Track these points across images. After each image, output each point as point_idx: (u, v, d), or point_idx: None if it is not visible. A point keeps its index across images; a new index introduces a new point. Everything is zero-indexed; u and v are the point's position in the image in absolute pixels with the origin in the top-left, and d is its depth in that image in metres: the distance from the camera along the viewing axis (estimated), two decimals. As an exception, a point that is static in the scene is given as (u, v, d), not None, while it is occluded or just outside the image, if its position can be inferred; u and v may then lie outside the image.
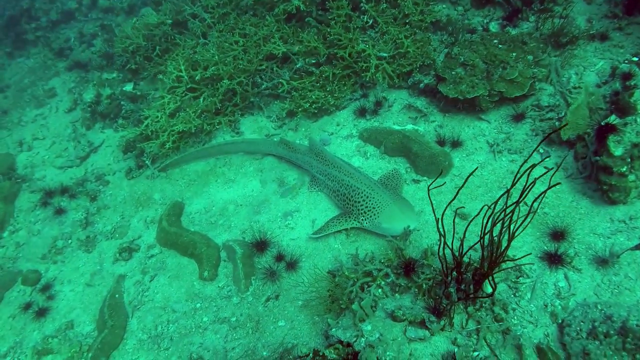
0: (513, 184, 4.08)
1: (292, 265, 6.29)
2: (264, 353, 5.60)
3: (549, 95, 7.03)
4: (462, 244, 4.58)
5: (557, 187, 6.08)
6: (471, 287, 4.96)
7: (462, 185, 4.21)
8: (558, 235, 5.55)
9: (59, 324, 6.67)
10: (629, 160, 5.47)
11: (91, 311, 6.73)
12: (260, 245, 6.60)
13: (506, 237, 4.73)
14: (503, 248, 4.79)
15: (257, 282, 6.34)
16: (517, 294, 5.21)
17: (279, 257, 6.42)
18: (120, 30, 10.48)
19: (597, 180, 5.71)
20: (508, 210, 4.31)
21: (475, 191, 6.37)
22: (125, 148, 8.74)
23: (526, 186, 4.10)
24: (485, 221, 4.24)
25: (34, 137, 10.05)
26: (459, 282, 4.95)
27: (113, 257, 7.29)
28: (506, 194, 4.20)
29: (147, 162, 8.33)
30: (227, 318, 6.10)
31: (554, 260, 5.33)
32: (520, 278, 5.35)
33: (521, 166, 4.09)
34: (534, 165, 4.08)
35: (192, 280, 6.66)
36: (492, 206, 4.18)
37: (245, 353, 5.67)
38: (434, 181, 4.60)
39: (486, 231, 4.37)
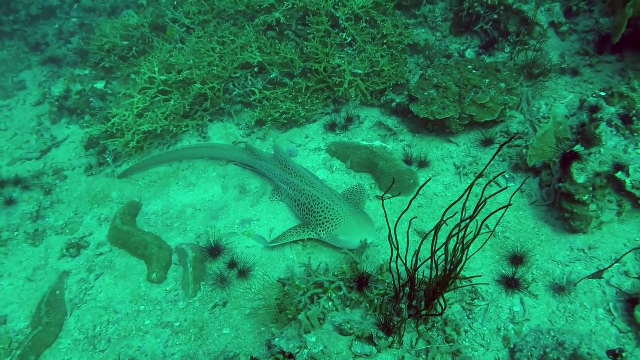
0: (460, 199, 3.94)
1: (244, 273, 6.04)
2: (204, 361, 5.30)
3: (518, 123, 7.04)
4: (416, 260, 4.42)
5: (520, 213, 6.03)
6: (422, 304, 4.78)
7: (417, 194, 4.06)
8: (517, 260, 5.43)
9: (-10, 318, 6.26)
10: (591, 189, 5.42)
11: (29, 307, 6.34)
12: (214, 250, 6.35)
13: (461, 254, 4.61)
14: (460, 266, 4.65)
15: (207, 288, 6.06)
16: (471, 316, 5.04)
17: (232, 264, 6.17)
18: (99, 29, 10.32)
19: (560, 207, 5.65)
20: (462, 226, 4.17)
21: (438, 211, 6.25)
22: (87, 144, 8.47)
23: (480, 202, 3.99)
24: (434, 240, 4.10)
25: (-4, 128, 9.72)
26: (411, 299, 4.76)
27: (60, 252, 6.93)
28: (462, 210, 4.06)
29: (109, 159, 8.07)
30: (170, 323, 5.79)
31: (511, 284, 5.20)
32: (476, 300, 5.19)
33: (472, 184, 3.98)
34: (490, 181, 3.98)
35: (139, 282, 6.35)
36: (442, 223, 4.04)
37: (185, 360, 5.37)
38: (385, 192, 4.45)
39: (438, 248, 4.23)
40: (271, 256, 6.23)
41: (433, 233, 4.17)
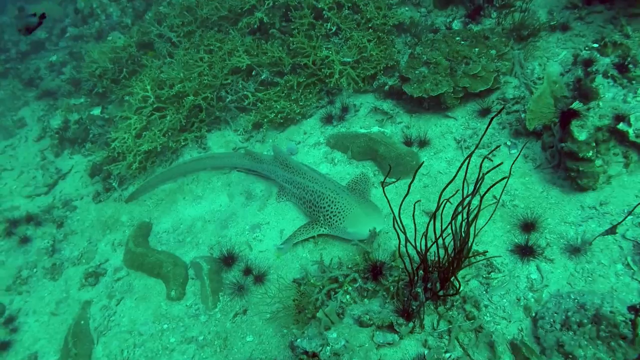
0: (453, 179, 3.89)
1: (259, 278, 6.06)
2: (232, 371, 5.34)
3: (514, 88, 6.93)
4: (425, 242, 4.37)
5: (526, 179, 5.94)
6: (437, 285, 4.74)
7: (413, 179, 4.02)
8: (529, 226, 5.36)
9: (21, 357, 6.38)
10: (594, 144, 5.32)
11: (56, 341, 6.45)
12: (228, 260, 6.38)
13: (470, 230, 4.56)
14: (467, 243, 4.61)
15: (225, 298, 6.10)
16: (489, 290, 4.99)
17: (247, 271, 6.19)
18: (88, 55, 10.38)
19: (565, 167, 5.55)
20: (465, 203, 4.12)
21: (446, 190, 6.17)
22: (92, 172, 8.54)
23: (478, 178, 3.93)
24: (435, 222, 4.06)
25: (3, 168, 9.83)
26: (425, 281, 4.73)
27: (79, 283, 7.03)
28: (462, 187, 4.01)
29: (114, 184, 8.13)
30: (194, 337, 5.84)
31: (525, 252, 5.14)
32: (492, 273, 5.14)
33: (461, 164, 3.91)
34: (485, 157, 3.92)
35: (159, 301, 6.41)
36: (441, 204, 3.99)
37: (213, 372, 5.42)
38: (385, 178, 4.41)
39: (444, 228, 4.19)
40: (284, 257, 6.23)
41: (438, 213, 4.14)
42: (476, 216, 4.12)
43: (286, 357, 5.02)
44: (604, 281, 4.71)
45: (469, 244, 4.65)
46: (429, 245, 4.37)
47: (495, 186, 4.09)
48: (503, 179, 3.82)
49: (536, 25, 7.38)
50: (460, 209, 4.11)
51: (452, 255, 4.48)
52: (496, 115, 3.50)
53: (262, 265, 6.20)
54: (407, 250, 4.38)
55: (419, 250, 4.49)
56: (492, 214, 4.88)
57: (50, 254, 7.57)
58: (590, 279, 4.76)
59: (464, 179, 3.98)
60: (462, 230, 4.28)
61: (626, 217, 4.99)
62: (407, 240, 4.30)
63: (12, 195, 9.10)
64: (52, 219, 8.10)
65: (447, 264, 4.58)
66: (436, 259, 4.82)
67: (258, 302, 5.86)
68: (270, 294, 5.72)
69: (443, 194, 5.87)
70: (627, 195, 5.30)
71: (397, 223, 4.22)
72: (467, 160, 3.69)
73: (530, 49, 7.23)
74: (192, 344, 5.79)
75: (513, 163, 4.58)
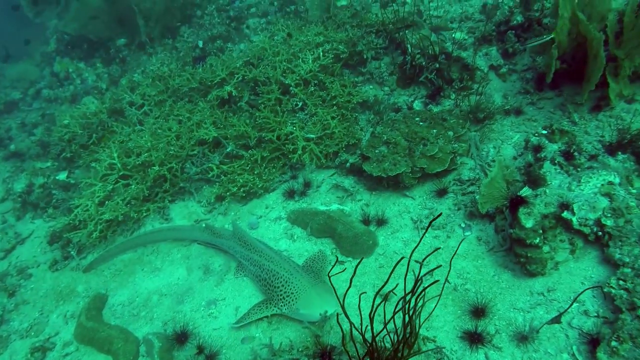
0: (392, 272, 3.96)
1: (211, 358, 5.92)
2: None
3: (469, 169, 7.15)
4: (372, 329, 4.36)
5: (479, 262, 6.03)
6: (383, 375, 4.70)
7: (354, 273, 4.07)
8: (479, 312, 5.39)
9: None
10: (541, 231, 5.47)
11: (-6, 422, 6.15)
12: (181, 337, 6.24)
13: (416, 318, 4.58)
14: (412, 335, 4.61)
15: (175, 379, 5.93)
16: (437, 373, 4.96)
17: (200, 350, 6.05)
18: (59, 119, 10.47)
19: (514, 253, 5.67)
20: (408, 299, 4.17)
21: (400, 269, 6.21)
22: (51, 239, 8.42)
23: (417, 279, 4.00)
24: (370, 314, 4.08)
25: (-40, 234, 9.64)
26: (372, 371, 4.69)
27: (24, 358, 6.77)
28: (404, 281, 4.07)
29: (72, 252, 8.02)
30: (140, 422, 5.63)
31: (474, 339, 5.14)
32: (441, 360, 5.13)
33: (421, 239, 4.00)
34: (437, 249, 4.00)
35: (107, 381, 6.20)
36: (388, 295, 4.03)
37: None
38: (330, 269, 4.45)
39: (388, 321, 4.21)
40: (237, 336, 6.13)
41: (381, 305, 4.17)
42: (414, 312, 4.15)
43: None
44: (549, 372, 4.72)
45: (415, 334, 4.67)
46: (375, 333, 4.36)
47: (447, 268, 4.13)
48: (436, 267, 3.88)
49: (491, 108, 7.72)
50: (406, 302, 4.16)
51: (396, 346, 4.48)
52: (431, 223, 3.60)
53: (214, 344, 6.07)
54: (363, 337, 4.34)
55: (365, 338, 4.48)
56: (437, 302, 4.91)
57: (-1, 326, 7.33)
58: (536, 369, 4.78)
59: (405, 276, 4.03)
60: (406, 321, 4.30)
61: (570, 306, 5.07)
62: (351, 328, 4.30)
63: (-34, 260, 8.89)
64: (5, 287, 7.88)
65: (392, 353, 4.57)
66: (387, 345, 4.81)
67: (208, 385, 5.70)
68: (221, 375, 5.59)
69: (401, 275, 5.94)
70: (574, 282, 5.40)
71: (343, 311, 4.24)
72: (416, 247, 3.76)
73: (486, 132, 7.53)
74: None
75: (456, 250, 4.68)
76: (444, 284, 5.02)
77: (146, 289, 7.28)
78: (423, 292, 4.12)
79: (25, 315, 7.47)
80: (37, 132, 12.03)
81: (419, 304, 4.42)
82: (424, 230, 6.66)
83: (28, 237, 9.09)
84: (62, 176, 9.66)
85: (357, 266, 4.05)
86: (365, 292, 5.55)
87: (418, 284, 4.02)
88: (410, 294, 3.95)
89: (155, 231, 7.84)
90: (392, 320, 4.18)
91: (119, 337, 6.45)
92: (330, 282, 4.01)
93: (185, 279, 7.22)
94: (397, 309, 4.09)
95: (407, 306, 4.17)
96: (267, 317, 6.12)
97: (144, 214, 8.30)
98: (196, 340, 6.18)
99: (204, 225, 7.59)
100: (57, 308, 7.45)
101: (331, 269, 5.50)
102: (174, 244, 7.86)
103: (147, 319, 6.83)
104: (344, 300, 4.19)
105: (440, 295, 4.91)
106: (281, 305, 5.90)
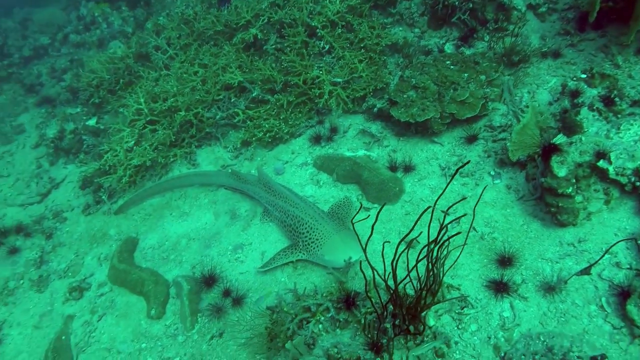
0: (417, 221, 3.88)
1: (238, 301, 6.07)
2: (203, 396, 5.37)
3: (501, 115, 6.89)
4: (394, 276, 4.34)
5: (507, 211, 5.90)
6: (406, 321, 4.72)
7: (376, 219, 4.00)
8: (505, 261, 5.32)
9: (3, 370, 6.46)
10: (574, 181, 5.27)
11: (37, 355, 6.49)
12: (209, 280, 6.39)
13: (440, 266, 4.54)
14: (436, 282, 4.59)
15: (204, 319, 6.12)
16: (460, 326, 4.97)
17: (226, 293, 6.21)
18: (87, 65, 10.46)
19: (545, 202, 5.51)
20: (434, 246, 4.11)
21: (426, 216, 6.13)
22: (83, 184, 8.61)
23: (441, 226, 3.91)
24: (395, 259, 4.04)
25: (-1, 175, 9.98)
26: (394, 317, 4.71)
27: (64, 296, 7.09)
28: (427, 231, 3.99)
29: (103, 197, 8.19)
30: (170, 358, 5.87)
31: (499, 288, 5.10)
32: (465, 309, 5.11)
33: (448, 185, 3.90)
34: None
35: (139, 319, 6.44)
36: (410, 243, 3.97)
37: (185, 396, 5.45)
38: (354, 216, 4.40)
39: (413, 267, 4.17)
40: (263, 280, 6.25)
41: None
42: (437, 260, 4.10)
43: (255, 387, 5.04)
44: (576, 322, 4.66)
45: (439, 282, 4.64)
46: (399, 280, 4.35)
47: (473, 216, 3.98)
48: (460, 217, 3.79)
49: (527, 51, 7.33)
50: (430, 251, 4.11)
51: (419, 293, 4.47)
52: (457, 171, 3.45)
53: (241, 287, 6.22)
54: (386, 283, 4.35)
55: (388, 285, 4.49)
56: (462, 250, 4.84)
57: (38, 266, 7.64)
58: (563, 319, 4.72)
59: (431, 219, 3.95)
60: (432, 270, 4.27)
61: (602, 257, 4.94)
62: (374, 275, 4.29)
63: (5, 203, 9.20)
64: (42, 230, 8.18)
65: (414, 300, 4.57)
66: (410, 293, 4.82)
67: (234, 326, 5.87)
68: (247, 317, 5.73)
69: (426, 223, 5.88)
70: (607, 233, 5.24)
71: (366, 257, 4.23)
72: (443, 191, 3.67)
73: (520, 76, 7.18)
74: (168, 365, 5.83)
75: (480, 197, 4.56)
76: (469, 231, 4.93)
77: (175, 233, 7.43)
78: (448, 241, 4.06)
79: (62, 257, 7.76)
80: (67, 78, 12.11)
81: (443, 253, 4.39)
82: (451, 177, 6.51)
83: (62, 181, 9.32)
84: (92, 122, 9.75)
85: (378, 213, 3.98)
86: (389, 242, 5.51)
87: (442, 232, 3.94)
88: (434, 242, 3.88)
89: (183, 176, 7.91)
90: (415, 268, 4.15)
91: (149, 280, 6.65)
92: (354, 228, 3.97)
93: (213, 224, 7.32)
94: (420, 257, 4.04)
95: (430, 254, 4.12)
96: (292, 262, 6.19)
97: (171, 159, 8.37)
98: (224, 284, 6.34)
99: (229, 170, 7.61)
100: (91, 250, 7.71)
101: (354, 216, 5.43)
102: (201, 189, 7.94)
103: (176, 262, 7.01)
104: (366, 247, 4.16)
105: (464, 242, 4.83)
106: (306, 251, 5.94)
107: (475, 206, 4.41)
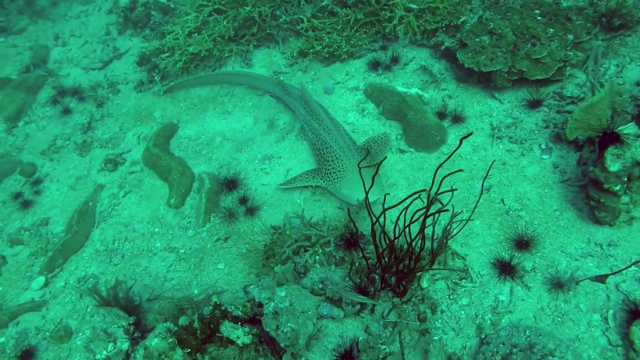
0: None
1: (251, 211, 6.15)
2: (195, 291, 5.62)
3: (576, 85, 6.14)
4: (396, 226, 4.15)
5: (545, 191, 5.43)
6: (393, 279, 4.60)
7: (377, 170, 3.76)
8: (523, 244, 4.97)
9: (37, 218, 7.00)
10: (625, 179, 4.70)
11: (67, 213, 6.99)
12: (230, 184, 6.48)
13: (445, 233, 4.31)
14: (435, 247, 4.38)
15: (216, 220, 6.28)
16: (452, 296, 4.79)
17: (243, 200, 6.29)
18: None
19: (586, 193, 4.99)
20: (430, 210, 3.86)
21: (456, 175, 5.78)
22: (140, 60, 8.71)
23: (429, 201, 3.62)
24: (397, 216, 3.83)
25: (72, 34, 10.24)
26: (384, 270, 4.59)
27: (99, 165, 7.46)
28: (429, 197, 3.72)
29: (156, 78, 8.28)
30: (177, 248, 6.14)
31: (505, 270, 4.81)
32: (464, 280, 4.90)
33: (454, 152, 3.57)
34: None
35: (159, 204, 6.72)
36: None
37: (180, 286, 5.73)
38: (361, 160, 4.15)
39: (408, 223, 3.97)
40: (280, 197, 6.24)
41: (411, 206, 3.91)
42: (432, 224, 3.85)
43: (238, 298, 5.20)
44: (572, 327, 4.37)
45: (442, 246, 4.44)
46: (397, 235, 4.17)
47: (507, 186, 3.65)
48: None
49: (635, 16, 6.33)
50: (427, 218, 3.86)
51: (410, 251, 4.30)
52: (461, 143, 3.10)
53: (258, 198, 6.26)
54: (384, 232, 4.19)
55: (386, 233, 4.33)
56: (470, 217, 4.54)
57: (85, 131, 8.01)
58: (559, 319, 4.43)
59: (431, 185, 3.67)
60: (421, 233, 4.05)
61: (628, 267, 4.50)
62: (373, 225, 4.12)
63: (71, 63, 9.54)
64: (95, 97, 8.47)
65: (407, 257, 4.41)
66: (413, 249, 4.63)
67: (241, 234, 5.99)
68: (255, 230, 5.81)
69: (455, 182, 5.57)
70: (643, 243, 4.74)
71: (369, 205, 4.10)
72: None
73: (615, 44, 6.28)
74: (172, 253, 6.10)
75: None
76: (480, 195, 4.60)
77: (213, 128, 7.48)
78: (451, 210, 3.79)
79: (107, 127, 8.07)
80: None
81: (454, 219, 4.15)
82: (499, 140, 6.02)
83: (124, 53, 9.47)
84: (164, -2, 9.65)
85: (379, 165, 3.71)
86: (389, 193, 5.24)
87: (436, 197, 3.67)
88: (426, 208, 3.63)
89: (233, 74, 7.82)
90: (421, 231, 3.94)
91: (176, 169, 6.82)
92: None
93: (250, 129, 7.28)
94: (413, 218, 3.82)
95: (425, 216, 3.87)
96: (312, 187, 6.11)
97: (227, 54, 8.23)
98: (244, 190, 6.40)
99: (280, 78, 7.40)
100: (134, 127, 7.95)
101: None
102: (248, 91, 7.83)
103: (206, 158, 7.11)
104: (367, 194, 3.98)
105: (475, 208, 4.53)
106: (327, 180, 5.81)
107: (484, 178, 4.02)
